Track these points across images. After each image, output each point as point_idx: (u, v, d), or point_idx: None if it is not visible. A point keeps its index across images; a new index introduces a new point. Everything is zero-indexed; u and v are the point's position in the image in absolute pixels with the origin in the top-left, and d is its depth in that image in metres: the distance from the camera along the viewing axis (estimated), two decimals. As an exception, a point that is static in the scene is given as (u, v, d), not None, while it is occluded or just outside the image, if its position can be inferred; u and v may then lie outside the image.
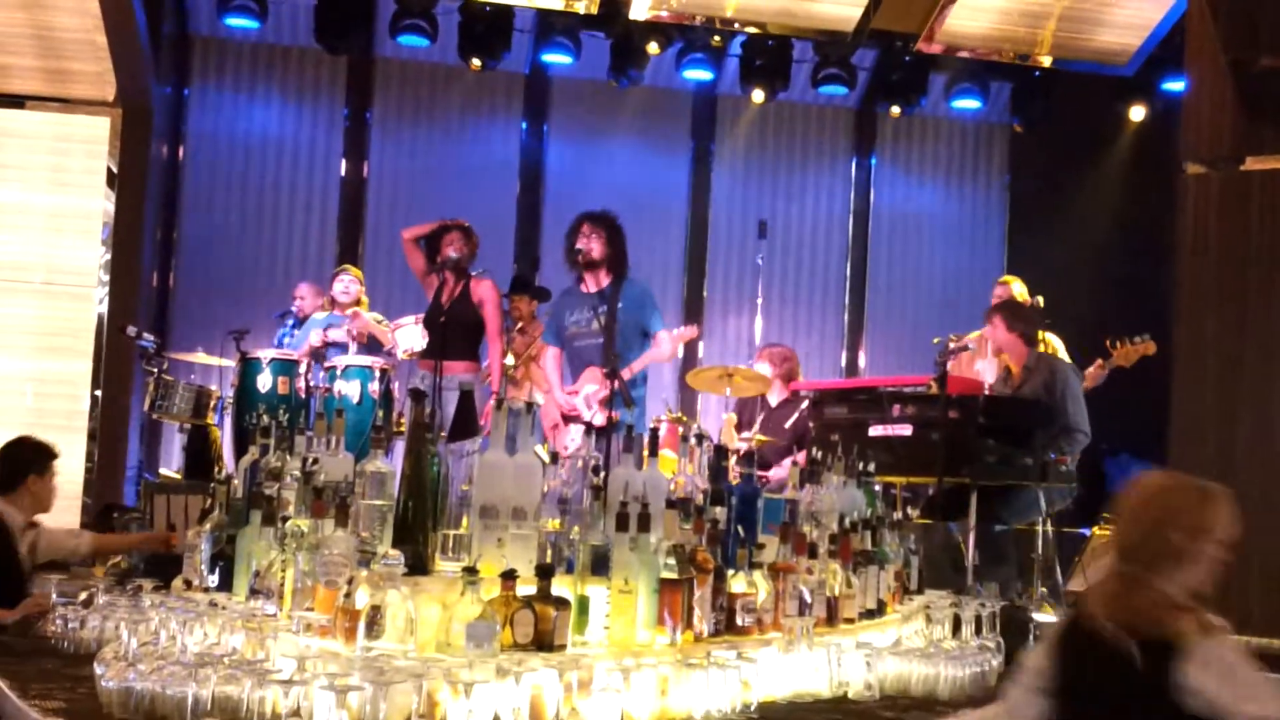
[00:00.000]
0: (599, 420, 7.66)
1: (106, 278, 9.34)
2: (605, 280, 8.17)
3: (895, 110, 12.21)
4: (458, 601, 3.52)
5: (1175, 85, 10.60)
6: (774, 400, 9.42)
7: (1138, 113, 11.71)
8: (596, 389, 7.89)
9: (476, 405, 7.78)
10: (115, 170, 9.41)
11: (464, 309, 8.49)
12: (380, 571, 3.50)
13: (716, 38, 11.51)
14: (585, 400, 7.93)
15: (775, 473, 8.59)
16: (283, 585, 3.83)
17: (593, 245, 8.12)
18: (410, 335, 8.97)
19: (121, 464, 9.54)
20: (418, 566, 3.80)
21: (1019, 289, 9.04)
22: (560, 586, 3.71)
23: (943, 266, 12.83)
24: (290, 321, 9.99)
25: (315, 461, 4.23)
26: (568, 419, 7.97)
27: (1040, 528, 7.35)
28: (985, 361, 8.30)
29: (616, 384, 7.34)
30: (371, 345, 9.43)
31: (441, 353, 7.99)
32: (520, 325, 9.42)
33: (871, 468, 5.51)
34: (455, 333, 8.34)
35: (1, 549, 5.26)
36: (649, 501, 3.90)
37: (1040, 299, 8.86)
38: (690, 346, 11.87)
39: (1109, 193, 11.67)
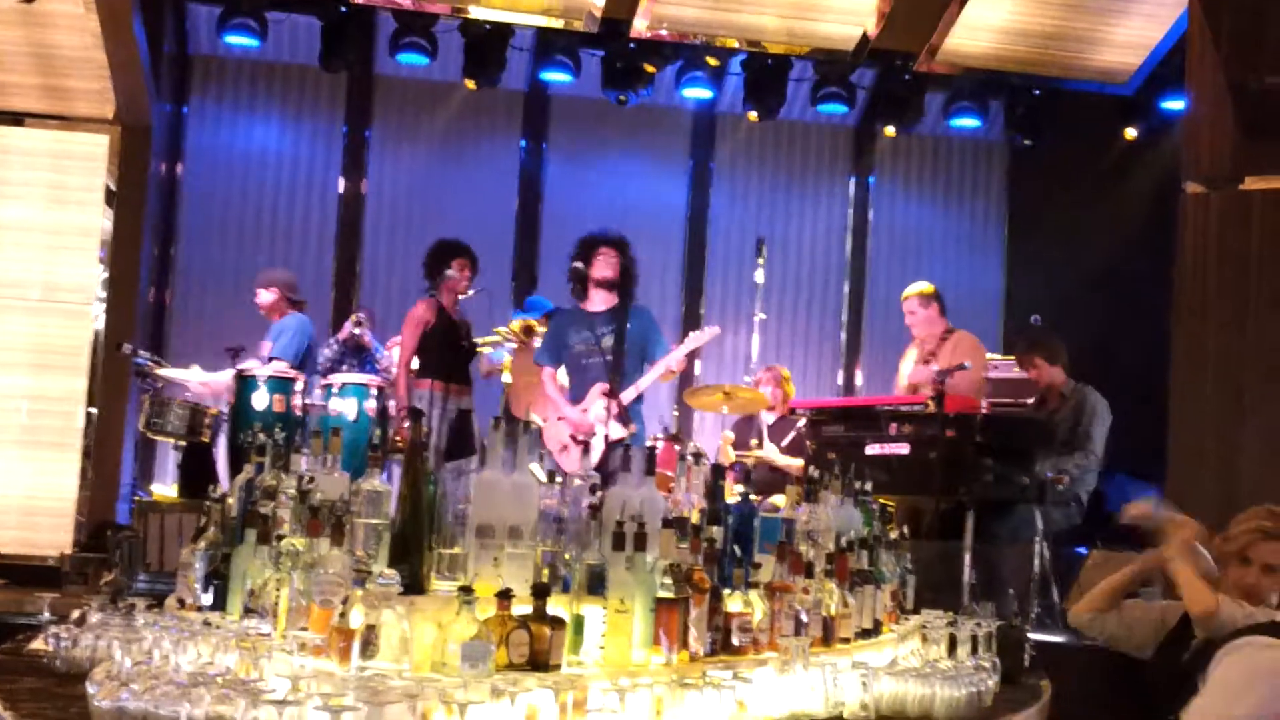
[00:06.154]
0: (617, 433, 7.66)
1: (103, 295, 9.33)
2: (612, 301, 8.13)
3: (889, 130, 12.26)
4: (453, 621, 3.49)
5: (1175, 104, 10.61)
6: (769, 417, 9.43)
7: (1137, 132, 11.71)
8: (608, 403, 7.84)
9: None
10: (114, 188, 9.39)
11: (467, 332, 8.53)
12: (375, 591, 3.49)
13: (715, 57, 11.52)
14: (599, 417, 7.86)
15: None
16: (277, 604, 3.81)
17: (610, 268, 8.09)
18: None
19: (115, 482, 9.51)
20: (413, 586, 3.78)
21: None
22: (556, 606, 3.69)
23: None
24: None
25: (311, 480, 4.21)
26: (577, 440, 7.88)
27: (1038, 547, 7.33)
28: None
29: (616, 405, 7.33)
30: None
31: (451, 374, 8.01)
32: (519, 345, 9.41)
33: (869, 487, 5.49)
34: (464, 356, 8.37)
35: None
36: (645, 521, 3.89)
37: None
38: (687, 364, 11.85)
39: (1108, 211, 11.67)
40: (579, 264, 8.12)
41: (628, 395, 7.88)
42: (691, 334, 8.38)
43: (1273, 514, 4.72)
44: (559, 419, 8.11)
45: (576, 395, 8.11)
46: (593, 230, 8.31)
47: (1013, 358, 8.90)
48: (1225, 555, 4.82)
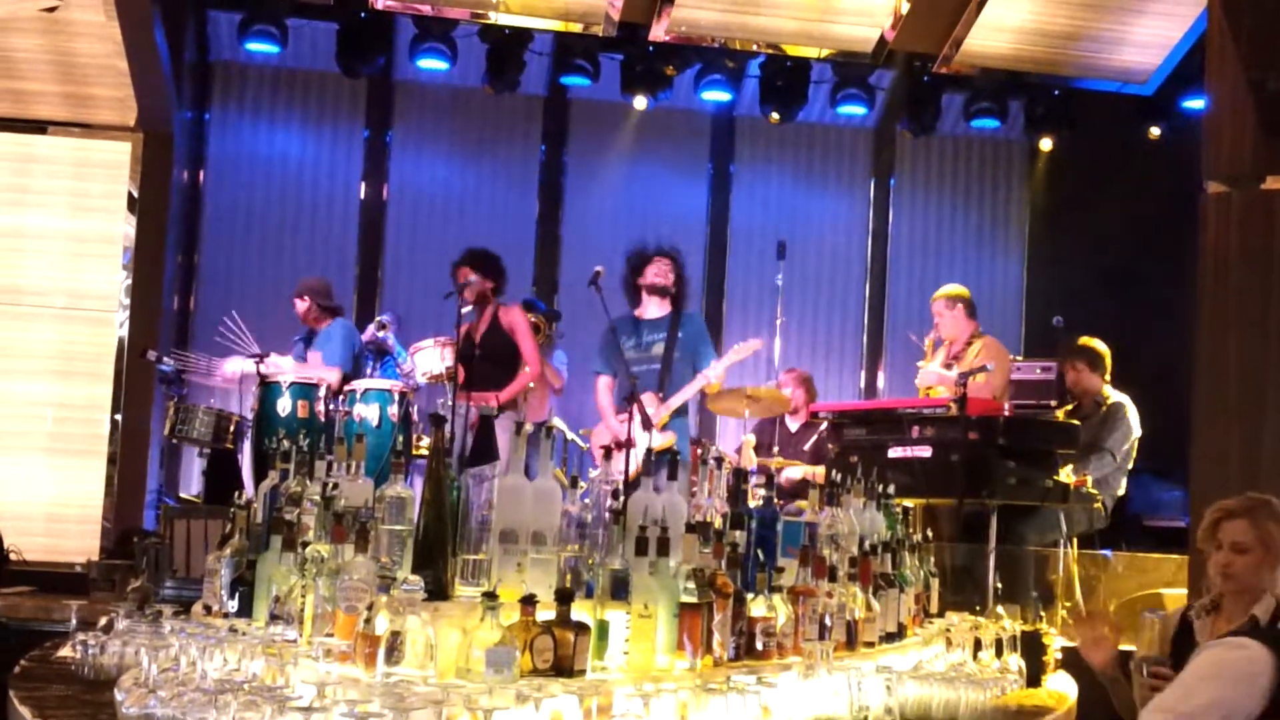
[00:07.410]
0: (659, 442, 7.68)
1: (127, 302, 9.39)
2: (666, 309, 8.21)
3: (907, 133, 12.26)
4: (477, 627, 3.51)
5: (1195, 104, 10.58)
6: (793, 423, 9.42)
7: (1157, 131, 11.68)
8: (652, 412, 7.86)
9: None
10: (136, 195, 9.46)
11: (497, 339, 8.51)
12: (400, 597, 3.50)
13: (733, 60, 11.52)
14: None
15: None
16: (303, 611, 3.83)
17: (668, 279, 8.17)
18: (429, 358, 8.94)
19: (141, 488, 9.56)
20: (438, 592, 3.80)
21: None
22: (580, 611, 3.70)
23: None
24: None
25: (335, 486, 4.23)
26: (619, 446, 7.93)
27: (1062, 549, 7.32)
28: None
29: (637, 408, 7.33)
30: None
31: (477, 384, 8.04)
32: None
33: (891, 490, 5.49)
34: (492, 364, 8.37)
35: None
36: (668, 526, 3.90)
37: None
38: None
39: (1128, 212, 11.63)
40: (635, 276, 8.19)
41: (669, 405, 7.95)
42: (734, 346, 8.39)
43: (1239, 498, 4.72)
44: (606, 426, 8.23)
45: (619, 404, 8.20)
46: (646, 243, 8.38)
47: (1035, 360, 8.89)
48: (1208, 548, 4.80)
